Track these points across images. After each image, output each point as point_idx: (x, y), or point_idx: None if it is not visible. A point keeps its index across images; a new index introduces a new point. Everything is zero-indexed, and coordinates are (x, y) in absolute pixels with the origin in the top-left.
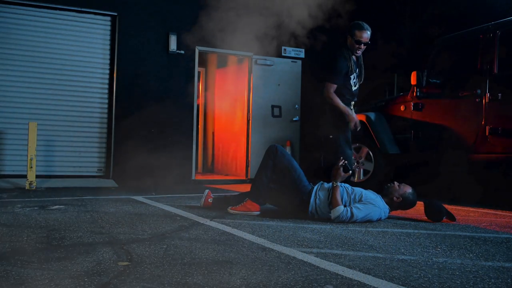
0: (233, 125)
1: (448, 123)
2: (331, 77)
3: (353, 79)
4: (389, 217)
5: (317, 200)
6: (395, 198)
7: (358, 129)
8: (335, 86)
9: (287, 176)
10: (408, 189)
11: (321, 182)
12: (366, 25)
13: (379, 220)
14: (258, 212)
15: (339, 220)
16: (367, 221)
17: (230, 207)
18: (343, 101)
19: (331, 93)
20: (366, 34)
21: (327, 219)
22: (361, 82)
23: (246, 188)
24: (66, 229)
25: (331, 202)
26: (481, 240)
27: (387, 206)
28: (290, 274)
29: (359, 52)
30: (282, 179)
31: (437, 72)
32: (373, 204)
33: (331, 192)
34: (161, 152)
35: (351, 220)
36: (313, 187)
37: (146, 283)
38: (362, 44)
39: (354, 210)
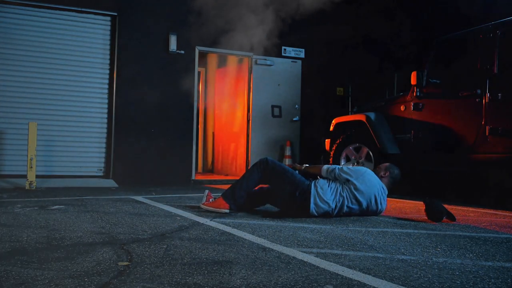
0: (233, 125)
1: (448, 123)
2: None
3: None
4: (388, 217)
5: (318, 186)
6: (382, 174)
7: None
8: None
9: (284, 177)
10: (388, 163)
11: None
12: None
13: (379, 196)
14: (227, 210)
15: (328, 174)
16: (367, 197)
17: (201, 203)
18: None
19: None
20: None
21: (327, 216)
22: None
23: None
24: (66, 229)
25: (314, 172)
26: (481, 240)
27: (382, 183)
28: (290, 274)
29: None
30: (280, 180)
31: (437, 72)
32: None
33: (309, 169)
34: (161, 152)
35: (342, 172)
36: (312, 181)
37: (146, 283)
38: None
39: (341, 167)
